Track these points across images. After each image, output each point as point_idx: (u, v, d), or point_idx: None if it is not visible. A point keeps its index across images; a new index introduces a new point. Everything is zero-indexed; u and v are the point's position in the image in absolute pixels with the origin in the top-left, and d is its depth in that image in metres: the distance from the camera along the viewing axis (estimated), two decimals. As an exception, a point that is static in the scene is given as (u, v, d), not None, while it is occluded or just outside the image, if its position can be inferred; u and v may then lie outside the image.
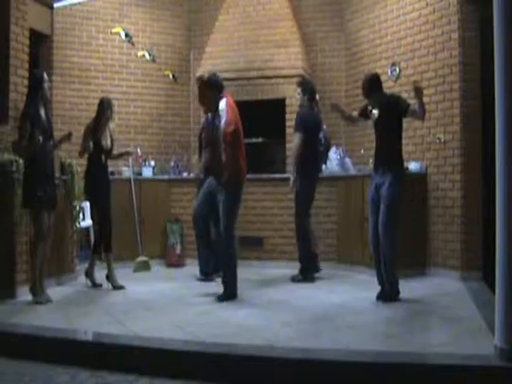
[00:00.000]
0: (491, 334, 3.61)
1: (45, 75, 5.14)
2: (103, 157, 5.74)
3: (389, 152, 5.10)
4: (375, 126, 5.22)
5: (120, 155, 6.21)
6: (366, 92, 5.19)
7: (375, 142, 5.25)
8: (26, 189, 4.95)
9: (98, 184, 5.69)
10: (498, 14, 3.38)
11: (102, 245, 5.73)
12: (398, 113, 5.07)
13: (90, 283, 5.79)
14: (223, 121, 5.00)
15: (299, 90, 6.33)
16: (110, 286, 5.68)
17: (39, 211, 4.96)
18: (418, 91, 4.84)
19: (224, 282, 5.14)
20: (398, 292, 5.03)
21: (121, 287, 5.66)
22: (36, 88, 5.05)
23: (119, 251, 7.00)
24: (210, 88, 5.20)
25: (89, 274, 5.81)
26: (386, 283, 5.03)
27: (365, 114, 5.32)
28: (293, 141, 6.21)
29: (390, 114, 5.07)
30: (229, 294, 5.10)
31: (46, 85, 5.09)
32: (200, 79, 5.06)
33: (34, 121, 4.93)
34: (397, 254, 5.04)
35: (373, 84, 5.16)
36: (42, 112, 5.05)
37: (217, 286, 5.37)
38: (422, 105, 4.88)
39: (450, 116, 6.12)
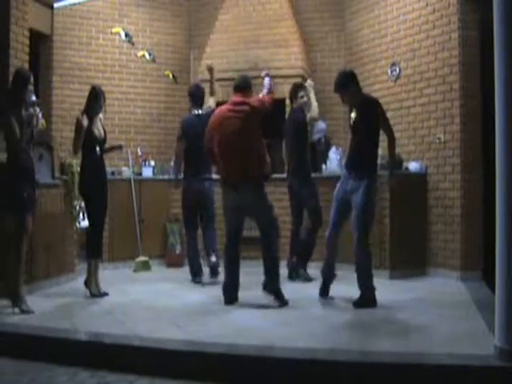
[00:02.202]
0: (491, 334, 3.62)
1: (31, 76, 4.82)
2: (98, 148, 5.33)
3: (363, 156, 4.87)
4: (352, 126, 4.95)
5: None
6: (335, 87, 4.99)
7: (350, 141, 5.06)
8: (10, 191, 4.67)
9: (94, 180, 5.31)
10: (498, 13, 3.39)
11: (89, 249, 5.34)
12: (375, 116, 4.86)
13: (88, 293, 5.32)
14: None
15: (304, 93, 6.27)
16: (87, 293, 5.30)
17: (25, 214, 4.67)
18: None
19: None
20: (375, 300, 4.82)
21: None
22: (20, 87, 4.70)
23: (119, 251, 7.05)
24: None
25: (87, 283, 5.35)
26: (361, 289, 4.88)
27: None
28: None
29: (366, 114, 4.86)
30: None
31: (30, 87, 4.76)
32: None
33: (16, 122, 4.62)
34: (371, 258, 4.97)
35: (343, 81, 4.93)
36: (23, 113, 4.71)
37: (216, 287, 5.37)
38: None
39: (450, 116, 6.12)
